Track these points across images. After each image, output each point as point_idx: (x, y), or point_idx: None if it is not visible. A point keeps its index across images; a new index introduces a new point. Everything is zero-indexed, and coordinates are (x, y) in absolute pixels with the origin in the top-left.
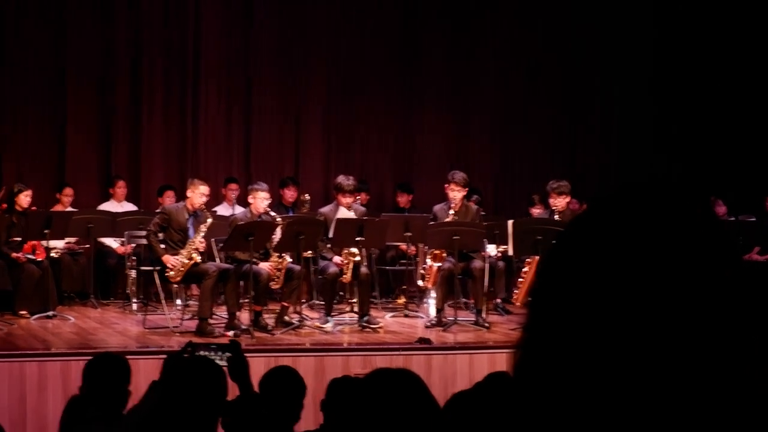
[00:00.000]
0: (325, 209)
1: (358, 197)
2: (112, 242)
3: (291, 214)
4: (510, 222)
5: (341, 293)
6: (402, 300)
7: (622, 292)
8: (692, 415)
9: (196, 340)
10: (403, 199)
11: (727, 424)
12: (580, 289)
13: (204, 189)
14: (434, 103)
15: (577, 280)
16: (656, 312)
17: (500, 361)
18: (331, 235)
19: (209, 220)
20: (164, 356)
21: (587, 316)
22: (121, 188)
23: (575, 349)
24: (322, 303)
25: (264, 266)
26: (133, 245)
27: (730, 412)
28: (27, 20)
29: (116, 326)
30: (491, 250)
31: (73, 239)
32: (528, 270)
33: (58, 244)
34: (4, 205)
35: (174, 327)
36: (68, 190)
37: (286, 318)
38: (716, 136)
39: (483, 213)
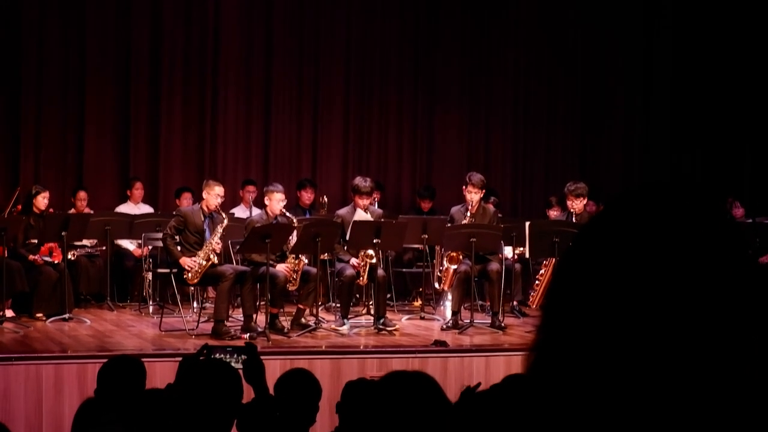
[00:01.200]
0: (342, 211)
1: (376, 198)
2: (129, 244)
3: (308, 216)
4: (527, 224)
5: (357, 295)
6: (418, 302)
7: (635, 294)
8: (698, 415)
9: (211, 342)
10: (426, 204)
11: (727, 423)
12: (594, 291)
13: (219, 190)
14: (453, 105)
15: (591, 282)
16: (664, 314)
17: (516, 364)
18: (347, 237)
19: (225, 221)
20: (180, 359)
21: (602, 319)
22: (138, 190)
23: (590, 351)
24: (339, 305)
25: (281, 268)
26: (150, 247)
27: (730, 412)
28: (47, 22)
29: (132, 329)
30: (508, 252)
31: (91, 241)
32: (544, 272)
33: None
34: (19, 207)
35: (190, 329)
36: (81, 194)
37: (303, 320)
38: (735, 138)
39: (500, 215)
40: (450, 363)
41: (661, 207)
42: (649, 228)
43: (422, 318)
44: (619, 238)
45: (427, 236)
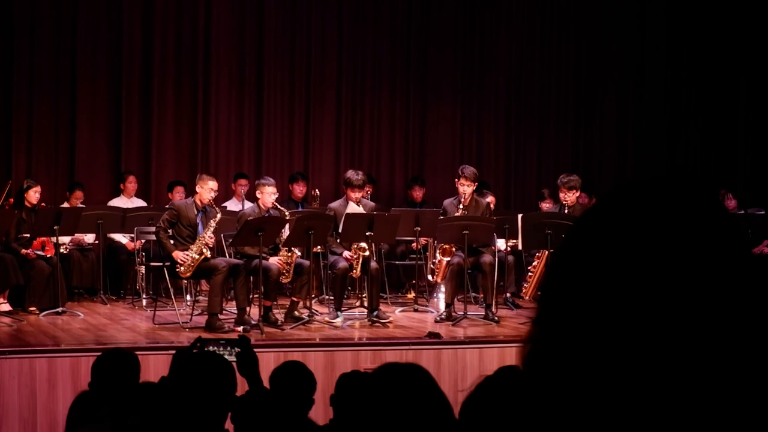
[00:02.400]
0: (335, 204)
1: (368, 191)
2: (121, 238)
3: (301, 209)
4: (520, 216)
5: (350, 288)
6: (411, 294)
7: (630, 287)
8: (696, 412)
9: (205, 335)
10: (418, 194)
11: (727, 421)
12: (590, 283)
13: (213, 184)
14: (445, 98)
15: (586, 274)
16: (659, 307)
17: (510, 356)
18: (340, 230)
19: (218, 216)
20: (174, 352)
21: (597, 311)
22: (131, 183)
23: (585, 344)
24: (332, 298)
25: (274, 261)
26: (143, 241)
27: (729, 409)
28: (39, 16)
29: (126, 322)
30: (501, 244)
31: (86, 235)
32: (537, 264)
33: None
34: (11, 200)
35: (184, 323)
36: (78, 193)
37: (296, 313)
38: (727, 130)
39: (492, 207)
40: (444, 355)
41: (657, 200)
42: (644, 220)
43: (416, 310)
44: (614, 230)
45: (420, 228)
